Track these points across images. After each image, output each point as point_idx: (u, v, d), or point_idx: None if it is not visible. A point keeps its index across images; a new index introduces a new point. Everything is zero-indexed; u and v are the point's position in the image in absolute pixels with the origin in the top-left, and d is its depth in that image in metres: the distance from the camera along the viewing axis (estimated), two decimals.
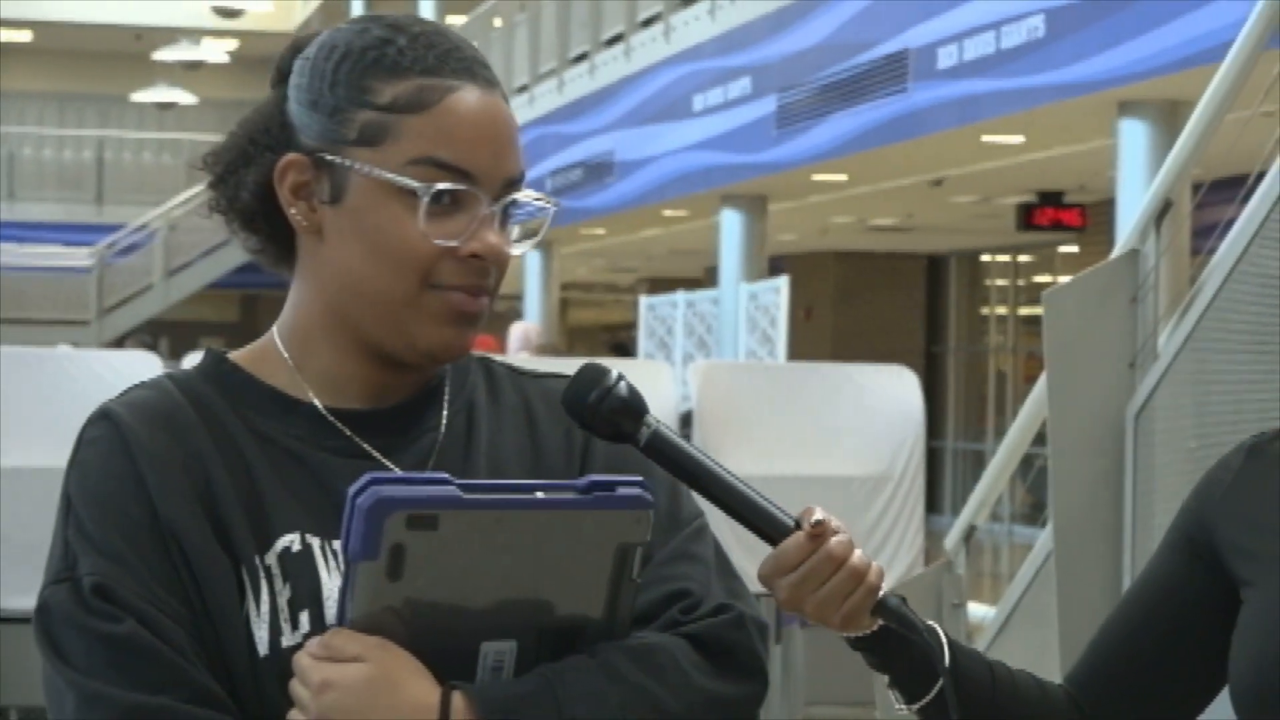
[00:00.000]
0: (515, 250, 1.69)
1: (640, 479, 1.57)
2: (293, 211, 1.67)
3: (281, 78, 1.73)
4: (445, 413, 1.73)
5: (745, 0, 15.62)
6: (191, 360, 9.81)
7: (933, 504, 13.44)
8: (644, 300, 16.55)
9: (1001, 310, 22.53)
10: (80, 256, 29.76)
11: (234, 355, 1.72)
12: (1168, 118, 10.67)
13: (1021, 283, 21.99)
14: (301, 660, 1.52)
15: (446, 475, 1.51)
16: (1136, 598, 1.84)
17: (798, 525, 1.62)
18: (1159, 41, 10.02)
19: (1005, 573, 15.44)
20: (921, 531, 9.32)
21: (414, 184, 1.62)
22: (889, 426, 10.14)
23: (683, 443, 1.65)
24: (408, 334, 1.65)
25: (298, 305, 1.72)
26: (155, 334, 22.24)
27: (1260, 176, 4.33)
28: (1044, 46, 11.17)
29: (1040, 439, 5.25)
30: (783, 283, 13.98)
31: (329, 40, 1.69)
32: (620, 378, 1.64)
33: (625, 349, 19.60)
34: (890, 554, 8.90)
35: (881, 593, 1.64)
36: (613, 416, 1.63)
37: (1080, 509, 4.41)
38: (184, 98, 32.83)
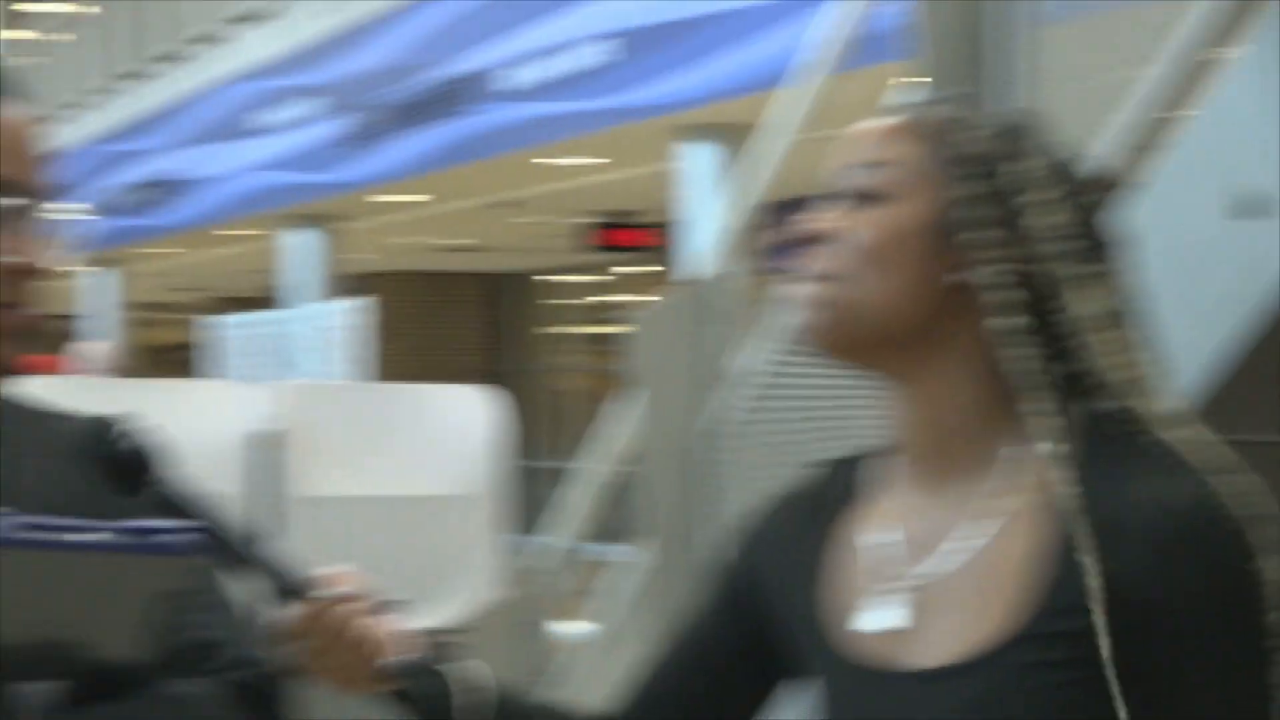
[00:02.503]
0: (61, 263, 1.65)
1: (189, 524, 1.53)
2: None
3: None
4: None
5: (316, 19, 15.44)
6: None
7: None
8: (211, 319, 16.21)
9: (569, 329, 22.71)
10: None
11: None
12: (729, 141, 10.87)
13: (589, 301, 22.22)
14: None
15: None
16: (688, 640, 1.81)
17: (306, 591, 1.60)
18: (721, 67, 10.22)
19: (576, 588, 15.55)
20: (499, 551, 9.31)
21: None
22: (460, 446, 10.11)
23: (194, 498, 1.59)
24: None
25: None
26: None
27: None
28: (608, 72, 11.30)
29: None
30: (356, 303, 13.86)
31: None
32: (129, 430, 1.59)
33: None
34: (466, 573, 8.88)
35: (388, 659, 1.62)
36: (122, 468, 1.58)
37: (667, 523, 4.44)
38: None
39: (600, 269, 21.09)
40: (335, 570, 1.61)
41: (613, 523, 5.01)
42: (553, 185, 14.79)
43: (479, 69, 12.81)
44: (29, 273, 1.60)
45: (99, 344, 13.37)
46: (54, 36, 21.85)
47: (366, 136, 14.52)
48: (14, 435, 1.69)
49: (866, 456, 1.73)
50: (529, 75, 12.22)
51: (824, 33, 4.71)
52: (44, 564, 1.45)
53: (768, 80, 9.66)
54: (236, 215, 17.17)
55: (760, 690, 1.77)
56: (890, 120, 1.66)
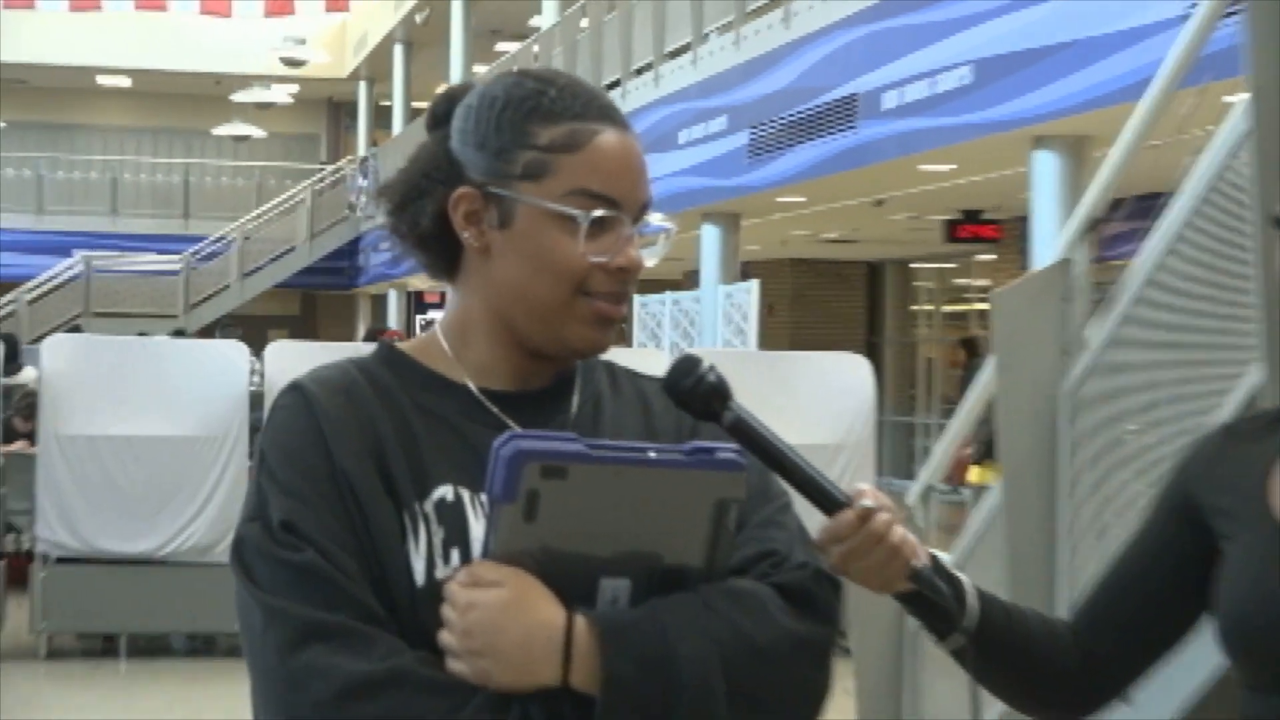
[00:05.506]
0: (649, 262, 1.68)
1: (736, 447, 1.54)
2: (466, 235, 1.66)
3: (437, 122, 1.72)
4: (576, 399, 1.71)
5: (722, 52, 15.57)
6: (274, 348, 9.54)
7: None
8: (637, 298, 16.47)
9: (928, 307, 22.50)
10: (171, 262, 29.76)
11: (402, 345, 1.72)
12: (1073, 150, 10.66)
13: (945, 285, 21.97)
14: (450, 587, 1.50)
15: (575, 435, 1.49)
16: (1132, 551, 1.83)
17: (849, 504, 1.60)
18: (1066, 88, 9.99)
19: (939, 522, 15.41)
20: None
21: (574, 212, 1.61)
22: (844, 403, 10.12)
23: (760, 425, 1.62)
24: (560, 333, 1.64)
25: (459, 307, 1.70)
26: (227, 325, 22.08)
27: (1167, 197, 4.29)
28: (971, 92, 11.14)
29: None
30: (753, 285, 13.92)
31: (489, 92, 1.67)
32: (711, 368, 1.62)
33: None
34: None
35: (917, 563, 1.61)
36: (704, 398, 1.61)
37: (1023, 471, 4.37)
38: (256, 132, 32.77)
39: (955, 257, 20.81)
40: (867, 487, 1.61)
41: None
42: (918, 188, 14.65)
43: (859, 92, 12.75)
44: (637, 272, 1.65)
45: None
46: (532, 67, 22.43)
47: (765, 148, 14.58)
48: (622, 390, 1.75)
49: None
50: (901, 97, 12.11)
51: (1171, 55, 4.54)
52: (628, 478, 1.47)
53: (1106, 99, 9.43)
54: (661, 212, 17.40)
55: (1195, 600, 1.77)
56: None
